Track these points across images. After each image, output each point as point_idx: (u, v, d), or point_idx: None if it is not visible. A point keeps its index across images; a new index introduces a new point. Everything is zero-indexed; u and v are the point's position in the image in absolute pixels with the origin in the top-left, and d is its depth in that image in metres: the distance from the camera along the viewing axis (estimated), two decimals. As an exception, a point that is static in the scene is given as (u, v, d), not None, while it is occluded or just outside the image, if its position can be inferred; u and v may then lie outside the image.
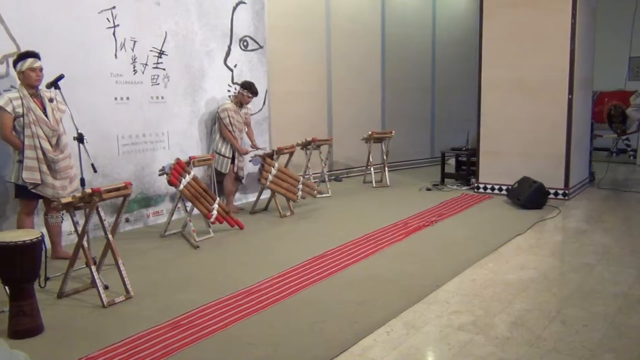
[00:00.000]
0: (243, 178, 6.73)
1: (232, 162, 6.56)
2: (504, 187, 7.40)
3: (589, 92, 8.16)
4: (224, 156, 6.51)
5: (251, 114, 6.83)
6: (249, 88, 6.50)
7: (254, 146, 6.74)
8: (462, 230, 5.74)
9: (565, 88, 6.97)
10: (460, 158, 8.71)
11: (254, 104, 6.96)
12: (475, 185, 7.79)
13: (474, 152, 7.94)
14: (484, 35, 7.47)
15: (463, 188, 8.08)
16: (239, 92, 6.55)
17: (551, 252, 5.00)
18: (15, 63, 4.44)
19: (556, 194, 7.11)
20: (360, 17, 9.40)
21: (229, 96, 6.83)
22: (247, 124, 6.73)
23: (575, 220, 6.17)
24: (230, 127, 6.43)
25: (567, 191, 7.11)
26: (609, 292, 3.93)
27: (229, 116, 6.40)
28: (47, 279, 4.02)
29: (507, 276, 4.31)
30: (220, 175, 6.67)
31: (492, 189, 7.62)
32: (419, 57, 10.42)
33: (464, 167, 8.50)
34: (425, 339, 3.24)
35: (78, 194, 3.83)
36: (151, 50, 6.03)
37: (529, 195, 6.62)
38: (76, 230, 3.90)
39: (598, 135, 9.50)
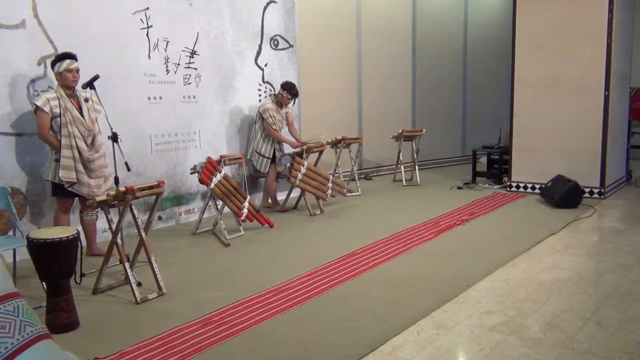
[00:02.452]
0: (284, 176, 6.77)
1: (272, 162, 6.63)
2: (537, 186, 7.28)
3: (627, 89, 7.95)
4: (264, 156, 6.59)
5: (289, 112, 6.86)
6: (288, 89, 6.56)
7: (302, 143, 6.80)
8: (494, 229, 5.66)
9: (601, 84, 6.82)
10: (492, 156, 8.60)
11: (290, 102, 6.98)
12: (508, 183, 7.68)
13: (507, 150, 7.82)
14: (517, 31, 7.35)
15: (495, 187, 7.97)
16: (279, 92, 6.63)
17: (586, 252, 4.89)
18: (52, 64, 4.56)
19: (591, 192, 6.95)
20: (391, 15, 9.36)
21: (265, 92, 6.92)
22: (290, 122, 6.79)
23: (611, 220, 6.03)
24: (274, 126, 6.50)
25: (602, 190, 6.95)
26: (646, 293, 3.83)
27: (270, 116, 6.47)
28: (82, 275, 4.11)
29: (541, 276, 4.23)
30: (258, 173, 6.76)
31: (525, 187, 7.50)
32: (451, 55, 10.32)
33: (496, 166, 8.39)
34: (456, 339, 3.21)
35: (112, 193, 3.91)
36: (183, 50, 6.11)
37: (563, 194, 6.49)
38: (110, 228, 3.97)
39: (635, 132, 9.25)
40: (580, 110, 6.97)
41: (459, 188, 8.00)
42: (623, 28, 7.22)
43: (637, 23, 8.10)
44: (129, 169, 4.41)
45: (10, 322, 1.00)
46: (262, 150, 6.60)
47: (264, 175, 6.78)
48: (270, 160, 6.63)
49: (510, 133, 7.57)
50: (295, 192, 6.80)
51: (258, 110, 6.63)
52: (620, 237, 5.29)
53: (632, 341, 3.10)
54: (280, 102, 6.62)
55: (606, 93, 6.81)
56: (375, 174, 9.28)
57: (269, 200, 6.85)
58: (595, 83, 6.85)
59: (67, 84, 4.52)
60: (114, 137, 4.33)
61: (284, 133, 6.77)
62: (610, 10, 6.70)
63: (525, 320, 3.42)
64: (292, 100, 6.73)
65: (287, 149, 6.75)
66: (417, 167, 8.43)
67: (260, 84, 7.09)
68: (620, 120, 7.58)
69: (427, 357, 2.98)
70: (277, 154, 6.66)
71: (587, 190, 6.86)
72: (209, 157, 5.54)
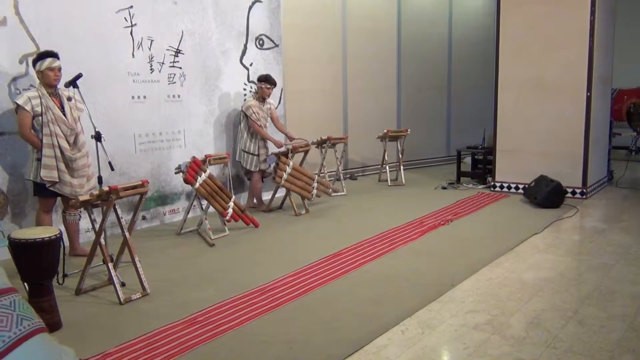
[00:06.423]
0: (270, 175, 6.76)
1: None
2: (521, 186, 7.34)
3: (608, 90, 8.05)
4: (252, 154, 6.58)
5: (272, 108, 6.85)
6: (266, 80, 6.56)
7: (291, 138, 6.82)
8: (478, 229, 5.70)
9: (583, 86, 6.90)
10: (476, 156, 8.66)
11: (273, 99, 6.95)
12: (492, 184, 7.74)
13: (490, 150, 7.89)
14: (501, 33, 7.41)
15: (479, 187, 8.02)
16: (258, 86, 6.61)
17: (568, 252, 4.95)
18: (34, 62, 4.50)
19: (574, 192, 7.03)
20: (376, 16, 9.38)
21: (251, 91, 6.93)
22: (275, 118, 6.79)
23: (593, 220, 6.10)
24: (259, 122, 6.49)
25: (585, 190, 7.03)
26: (627, 292, 3.88)
27: (254, 112, 6.47)
28: (65, 275, 4.07)
29: (524, 276, 4.27)
30: (249, 174, 6.76)
31: (509, 187, 7.56)
32: (435, 56, 10.37)
33: (480, 166, 8.45)
34: (440, 338, 3.23)
35: (96, 192, 3.87)
36: (168, 49, 6.07)
37: (546, 194, 6.55)
38: (94, 228, 3.94)
39: (617, 133, 9.37)
40: (563, 111, 7.04)
41: (444, 188, 8.04)
42: (605, 30, 7.31)
43: (618, 25, 8.21)
44: (112, 169, 4.37)
45: (7, 316, 1.00)
46: (250, 149, 6.59)
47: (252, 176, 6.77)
48: (258, 158, 6.61)
49: (494, 134, 7.63)
50: (281, 192, 6.79)
51: (241, 109, 6.61)
52: (601, 237, 5.36)
53: (612, 339, 3.14)
54: (262, 97, 6.61)
55: (588, 94, 6.90)
56: (360, 174, 9.30)
57: (254, 200, 6.84)
58: (577, 84, 6.93)
59: (48, 83, 4.47)
60: (98, 137, 4.29)
61: (271, 131, 6.77)
62: (592, 13, 6.78)
63: (508, 319, 3.45)
64: (272, 89, 6.66)
65: (272, 147, 6.74)
66: (402, 167, 8.46)
67: (245, 84, 7.07)
68: (602, 121, 7.67)
69: (411, 357, 3.00)
70: (262, 151, 6.63)
71: (569, 190, 6.94)
72: (193, 157, 5.51)
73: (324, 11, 8.62)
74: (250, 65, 7.11)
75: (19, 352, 0.98)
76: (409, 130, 8.43)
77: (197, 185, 5.38)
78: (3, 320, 0.99)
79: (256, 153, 6.60)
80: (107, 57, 5.47)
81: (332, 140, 7.55)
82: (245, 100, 6.72)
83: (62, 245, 3.54)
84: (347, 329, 3.34)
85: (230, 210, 5.59)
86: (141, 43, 5.80)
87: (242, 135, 6.62)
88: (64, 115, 4.53)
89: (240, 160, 6.68)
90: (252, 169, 6.64)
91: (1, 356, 0.96)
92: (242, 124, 6.64)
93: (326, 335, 3.26)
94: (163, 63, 6.04)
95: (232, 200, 5.70)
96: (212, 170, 5.88)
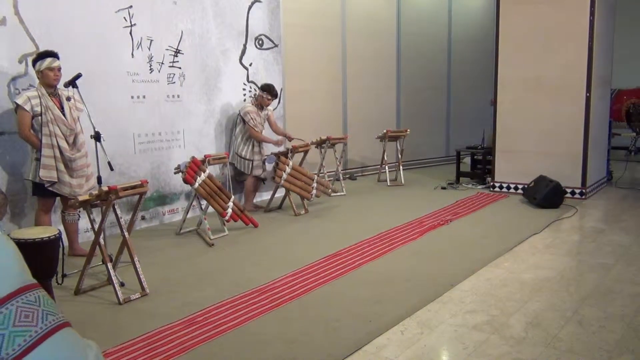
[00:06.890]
0: (265, 179, 6.77)
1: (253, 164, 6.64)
2: (520, 186, 7.34)
3: (608, 90, 8.06)
4: (244, 158, 6.57)
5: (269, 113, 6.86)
6: (268, 90, 6.57)
7: (290, 138, 6.87)
8: (478, 229, 5.70)
9: (583, 86, 6.90)
10: (475, 157, 8.66)
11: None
12: (491, 184, 7.74)
13: (490, 150, 7.89)
14: (500, 33, 7.41)
15: (478, 187, 8.02)
16: (259, 94, 6.62)
17: (568, 252, 4.95)
18: (34, 62, 4.50)
19: (573, 193, 7.03)
20: (376, 15, 9.38)
21: (251, 96, 6.93)
22: (272, 122, 6.81)
23: (592, 220, 6.10)
24: (256, 128, 6.50)
25: (584, 190, 7.03)
26: (626, 292, 3.88)
27: (252, 118, 6.48)
28: (64, 275, 4.07)
29: (523, 276, 4.27)
30: (243, 175, 6.75)
31: (508, 188, 7.56)
32: (435, 56, 10.38)
33: (480, 166, 8.45)
34: (439, 338, 3.23)
35: (95, 192, 3.87)
36: (167, 49, 6.07)
37: (546, 195, 6.56)
38: (93, 228, 3.94)
39: (616, 133, 9.38)
40: (562, 111, 7.04)
41: (443, 188, 8.04)
42: (604, 31, 7.31)
43: (618, 25, 8.21)
44: (111, 169, 4.37)
45: (33, 312, 1.03)
46: (243, 153, 6.58)
47: (246, 178, 6.75)
48: (251, 163, 6.61)
49: (494, 134, 7.63)
50: (280, 192, 6.79)
51: (239, 114, 6.61)
52: (601, 237, 5.36)
53: (612, 340, 3.14)
54: (260, 104, 6.62)
55: (588, 95, 6.90)
56: (359, 174, 9.30)
57: (253, 201, 6.82)
58: (577, 85, 6.93)
59: (48, 83, 4.47)
60: (97, 137, 4.29)
61: (266, 134, 6.76)
62: (592, 13, 6.78)
63: (507, 319, 3.45)
64: (272, 101, 6.70)
65: (272, 148, 6.74)
66: (401, 167, 8.46)
67: (245, 84, 7.07)
68: (602, 121, 7.67)
69: (410, 357, 3.00)
70: (256, 157, 6.62)
71: (568, 190, 6.94)
72: (193, 157, 5.51)
73: (324, 11, 8.62)
74: (250, 65, 7.10)
75: (45, 346, 1.00)
76: (408, 130, 8.42)
77: (197, 185, 5.38)
78: (29, 315, 1.01)
79: (250, 158, 6.59)
80: (106, 57, 5.47)
81: (331, 140, 7.54)
82: (244, 104, 6.71)
83: (61, 245, 3.54)
84: (346, 328, 3.34)
85: (229, 210, 5.59)
86: (141, 43, 5.80)
87: (236, 140, 6.62)
88: (64, 115, 4.53)
89: (234, 162, 6.67)
90: (247, 172, 6.64)
91: (28, 351, 0.97)
92: (237, 128, 6.64)
93: (325, 335, 3.25)
94: (162, 63, 6.04)
95: (232, 200, 5.70)
96: (212, 170, 5.88)
